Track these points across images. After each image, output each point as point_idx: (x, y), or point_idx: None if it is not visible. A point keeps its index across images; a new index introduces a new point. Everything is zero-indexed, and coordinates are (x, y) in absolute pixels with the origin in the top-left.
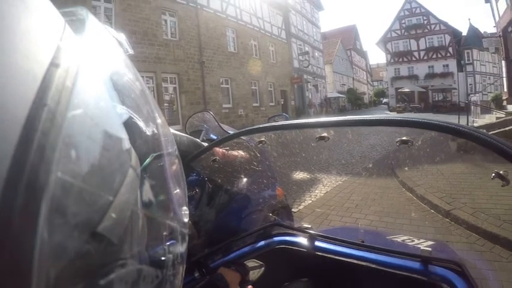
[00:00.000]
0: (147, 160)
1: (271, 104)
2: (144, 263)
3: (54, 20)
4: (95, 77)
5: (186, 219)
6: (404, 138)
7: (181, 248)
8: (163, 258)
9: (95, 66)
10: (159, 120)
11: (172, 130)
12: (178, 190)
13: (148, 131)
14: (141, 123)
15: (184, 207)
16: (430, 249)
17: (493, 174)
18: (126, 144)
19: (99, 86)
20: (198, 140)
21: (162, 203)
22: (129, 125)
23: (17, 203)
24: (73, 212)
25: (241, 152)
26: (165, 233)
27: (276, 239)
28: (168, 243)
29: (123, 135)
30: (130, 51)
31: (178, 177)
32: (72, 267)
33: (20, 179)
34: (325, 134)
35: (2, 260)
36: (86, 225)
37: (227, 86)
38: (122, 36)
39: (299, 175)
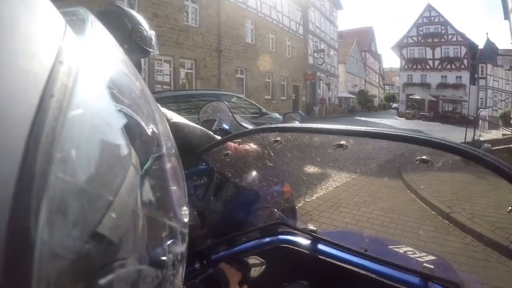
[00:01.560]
0: (148, 162)
1: (282, 98)
2: (144, 263)
3: (55, 20)
4: (95, 77)
5: (186, 219)
6: (424, 157)
7: (181, 247)
8: (163, 258)
9: (96, 66)
10: (159, 120)
11: (186, 121)
12: (178, 190)
13: (148, 131)
14: (141, 124)
15: (184, 207)
16: (431, 266)
17: (510, 208)
18: (126, 144)
19: (100, 86)
20: (211, 132)
21: (162, 203)
22: (130, 125)
23: (18, 203)
24: (73, 212)
25: (253, 147)
26: (165, 233)
27: (280, 237)
28: (168, 243)
29: (124, 135)
30: (156, 52)
31: (178, 177)
32: (72, 267)
33: (20, 179)
34: (343, 142)
35: (2, 260)
36: (86, 225)
37: (242, 76)
38: (153, 33)
39: (311, 178)
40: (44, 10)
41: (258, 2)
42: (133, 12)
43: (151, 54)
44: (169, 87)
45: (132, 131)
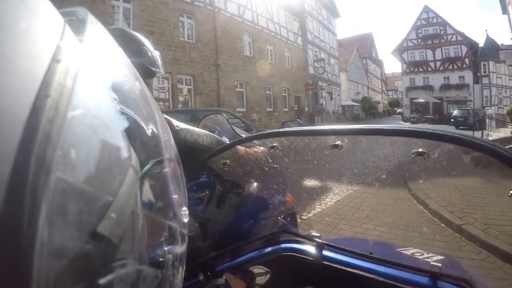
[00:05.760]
0: (148, 163)
1: (285, 109)
2: (144, 263)
3: (53, 20)
4: (95, 77)
5: (185, 220)
6: (420, 150)
7: (180, 248)
8: (163, 258)
9: (96, 66)
10: (159, 122)
11: (194, 128)
12: (178, 191)
13: (148, 132)
14: (141, 125)
15: (184, 208)
16: (439, 264)
17: (511, 192)
18: (126, 145)
19: (99, 86)
20: (220, 138)
21: (162, 203)
22: (130, 126)
23: (17, 203)
24: (73, 212)
25: (261, 148)
26: (165, 234)
27: (283, 245)
28: (167, 244)
29: (123, 136)
30: (162, 71)
31: (178, 178)
32: (72, 267)
33: (20, 179)
34: (338, 142)
35: (2, 260)
36: (86, 225)
37: (242, 89)
38: (157, 54)
39: (310, 182)
40: (43, 10)
41: (254, 15)
42: (136, 34)
43: (158, 74)
44: (168, 104)
45: (132, 132)
